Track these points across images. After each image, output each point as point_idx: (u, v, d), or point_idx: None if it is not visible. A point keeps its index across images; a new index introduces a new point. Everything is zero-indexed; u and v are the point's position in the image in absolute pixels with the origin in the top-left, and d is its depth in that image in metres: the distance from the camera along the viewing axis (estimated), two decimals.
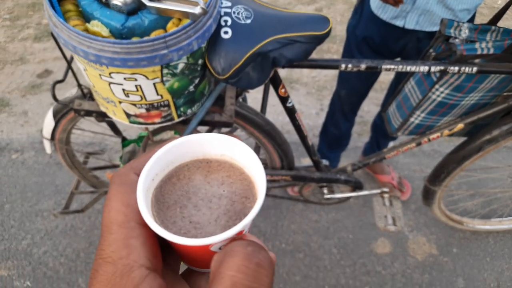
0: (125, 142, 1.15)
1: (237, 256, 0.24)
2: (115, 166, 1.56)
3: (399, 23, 1.28)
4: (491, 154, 1.30)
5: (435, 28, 1.26)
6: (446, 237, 1.69)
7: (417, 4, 1.21)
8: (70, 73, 1.06)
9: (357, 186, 1.41)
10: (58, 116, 1.21)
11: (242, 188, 0.30)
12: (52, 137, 1.30)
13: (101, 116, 1.03)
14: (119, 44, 0.72)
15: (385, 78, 2.37)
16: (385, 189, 1.39)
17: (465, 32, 1.06)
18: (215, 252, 0.27)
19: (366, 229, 1.71)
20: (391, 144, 1.78)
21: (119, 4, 0.75)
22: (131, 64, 0.75)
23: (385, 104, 1.44)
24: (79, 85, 1.02)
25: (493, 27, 1.06)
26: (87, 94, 1.04)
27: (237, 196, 0.30)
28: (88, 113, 1.02)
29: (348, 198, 1.46)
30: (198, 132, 1.13)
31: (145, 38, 0.72)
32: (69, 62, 0.98)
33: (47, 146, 1.34)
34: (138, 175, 0.28)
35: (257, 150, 1.44)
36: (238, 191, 0.30)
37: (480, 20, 3.12)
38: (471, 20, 1.30)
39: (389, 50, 1.38)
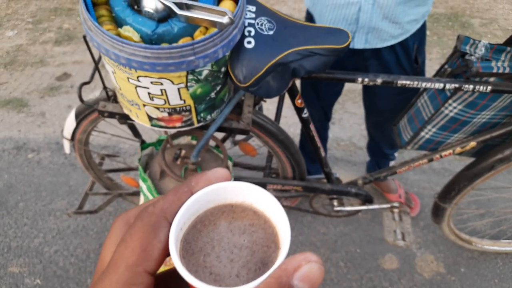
0: (144, 145, 1.19)
1: None
2: (130, 169, 1.59)
3: None
4: (501, 174, 1.31)
5: (387, 44, 1.24)
6: (454, 256, 1.69)
7: (361, 23, 1.19)
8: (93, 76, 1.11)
9: (367, 200, 1.42)
10: (80, 117, 1.25)
11: (264, 236, 0.30)
12: (72, 138, 1.34)
13: (124, 118, 1.07)
14: (150, 49, 0.75)
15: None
16: (395, 204, 1.40)
17: (481, 50, 1.09)
18: None
19: (374, 243, 1.71)
20: (392, 163, 1.80)
21: (151, 11, 0.79)
22: (160, 68, 0.78)
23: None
24: (105, 87, 1.06)
25: (508, 48, 1.09)
26: (111, 97, 1.07)
27: (257, 245, 0.29)
28: (112, 114, 1.06)
29: (358, 211, 1.47)
30: (216, 138, 1.16)
31: (174, 45, 0.76)
32: (97, 64, 1.02)
33: (67, 146, 1.38)
34: (167, 218, 0.28)
35: (269, 159, 1.47)
36: (259, 241, 0.29)
37: (493, 41, 3.14)
38: (422, 29, 1.28)
39: (348, 69, 1.34)
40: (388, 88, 1.35)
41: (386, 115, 1.49)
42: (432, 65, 2.83)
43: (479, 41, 1.09)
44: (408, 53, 1.30)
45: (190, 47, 0.77)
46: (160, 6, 0.79)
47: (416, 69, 1.35)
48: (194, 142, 1.23)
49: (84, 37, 0.90)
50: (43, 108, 2.37)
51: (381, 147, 1.70)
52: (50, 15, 3.25)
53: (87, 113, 1.24)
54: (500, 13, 3.54)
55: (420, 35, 1.29)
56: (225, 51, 0.84)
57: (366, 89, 1.51)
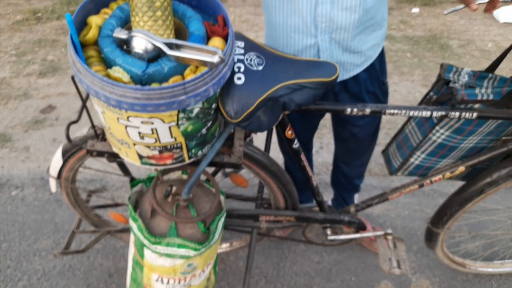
0: (133, 182, 1.16)
1: None
2: (118, 205, 1.55)
3: None
4: (490, 195, 1.32)
5: (353, 73, 1.21)
6: (449, 279, 1.68)
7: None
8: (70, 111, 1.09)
9: (361, 227, 1.41)
10: (67, 155, 1.22)
11: None
12: (58, 176, 1.31)
13: (113, 157, 1.05)
14: (140, 90, 0.75)
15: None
16: (389, 231, 1.39)
17: (464, 77, 1.12)
18: None
19: (368, 271, 1.69)
20: (356, 196, 1.77)
21: (141, 52, 0.79)
22: (150, 109, 0.77)
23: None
24: (93, 126, 1.04)
25: (490, 75, 1.12)
26: (99, 135, 1.06)
27: None
28: (100, 153, 1.04)
29: (352, 239, 1.46)
30: (207, 172, 1.14)
31: (166, 85, 0.76)
32: (85, 103, 1.00)
33: (53, 185, 1.34)
34: None
35: (261, 189, 1.45)
36: None
37: (472, 62, 3.25)
38: (381, 53, 1.26)
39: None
40: (367, 117, 1.32)
41: (360, 141, 1.44)
42: (415, 86, 2.90)
43: (462, 68, 1.12)
44: (375, 77, 1.26)
45: (181, 87, 0.77)
46: (150, 46, 0.79)
47: (383, 89, 1.32)
48: (184, 176, 1.21)
49: (73, 77, 0.89)
50: (27, 143, 2.32)
51: (351, 179, 1.64)
52: (34, 47, 3.24)
53: (74, 150, 1.21)
54: (476, 34, 3.67)
55: (380, 55, 1.26)
56: (216, 89, 0.84)
57: (336, 118, 1.45)
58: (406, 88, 2.87)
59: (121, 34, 0.81)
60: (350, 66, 1.19)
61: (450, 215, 1.34)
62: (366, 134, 1.41)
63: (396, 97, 2.76)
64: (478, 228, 1.80)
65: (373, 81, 1.26)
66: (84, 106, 1.02)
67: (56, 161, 1.26)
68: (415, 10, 4.01)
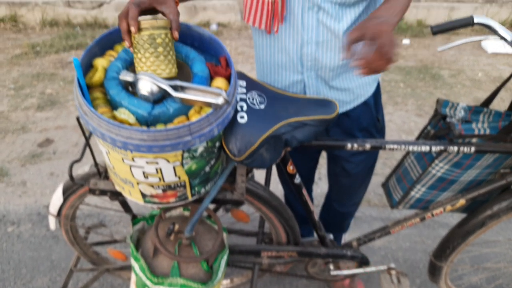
0: (135, 220, 1.15)
1: None
2: (116, 241, 1.53)
3: None
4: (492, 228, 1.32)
5: (342, 110, 1.20)
6: None
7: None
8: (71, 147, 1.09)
9: (364, 262, 1.40)
10: (68, 193, 1.22)
11: None
12: (58, 213, 1.30)
13: (115, 195, 1.05)
14: (147, 132, 0.76)
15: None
16: (392, 265, 1.38)
17: (460, 112, 1.14)
18: None
19: None
20: (345, 236, 1.73)
21: (147, 94, 0.81)
22: (156, 150, 0.78)
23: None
24: (96, 165, 1.04)
25: (485, 109, 1.15)
26: (102, 173, 1.06)
27: None
28: (103, 192, 1.04)
29: (355, 274, 1.44)
30: (209, 209, 1.14)
31: (172, 127, 0.77)
32: (88, 142, 1.01)
33: (52, 223, 1.33)
34: None
35: (262, 224, 1.45)
36: None
37: (464, 91, 3.32)
38: (377, 90, 1.26)
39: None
40: (359, 155, 1.30)
41: (353, 178, 1.40)
42: (409, 116, 2.95)
43: (458, 103, 1.15)
44: (368, 114, 1.25)
45: (187, 128, 0.78)
46: (155, 88, 0.81)
47: (380, 128, 1.31)
48: (186, 213, 1.20)
49: (77, 118, 0.90)
50: (24, 177, 2.31)
51: (341, 218, 1.60)
52: (32, 80, 3.27)
53: (75, 188, 1.21)
54: (466, 64, 3.77)
55: (375, 92, 1.25)
56: (220, 129, 0.85)
57: (330, 154, 1.41)
58: (401, 118, 2.92)
59: (127, 76, 0.83)
60: (339, 103, 1.17)
61: (452, 248, 1.33)
62: (360, 171, 1.37)
63: (391, 127, 2.79)
64: (481, 261, 1.79)
65: (366, 118, 1.25)
66: (87, 145, 1.02)
67: (57, 198, 1.26)
68: (406, 41, 4.13)
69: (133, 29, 0.81)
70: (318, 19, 1.01)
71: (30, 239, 1.91)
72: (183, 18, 4.22)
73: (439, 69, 3.65)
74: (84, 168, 1.19)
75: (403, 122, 2.88)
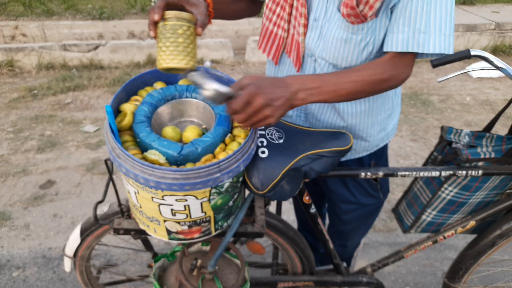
0: (156, 257, 1.16)
1: None
2: (131, 280, 1.52)
3: None
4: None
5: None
6: None
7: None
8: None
9: (379, 287, 1.41)
10: (85, 234, 1.23)
11: None
12: (74, 255, 1.30)
13: (139, 234, 1.06)
14: (180, 172, 0.79)
15: None
16: None
17: (464, 137, 1.21)
18: None
19: None
20: (355, 262, 1.66)
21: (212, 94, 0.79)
22: (188, 188, 0.81)
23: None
24: (120, 204, 1.06)
25: (487, 134, 1.21)
26: (124, 212, 1.08)
27: None
28: (127, 231, 1.05)
29: None
30: (231, 243, 1.16)
31: (203, 165, 0.80)
32: (113, 183, 1.03)
33: (67, 265, 1.32)
34: None
35: (275, 255, 1.46)
36: None
37: (454, 115, 3.43)
38: (380, 151, 1.25)
39: (311, 190, 1.28)
40: (349, 204, 1.31)
41: (348, 226, 1.41)
42: (404, 141, 3.03)
43: (461, 130, 1.21)
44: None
45: (216, 165, 0.82)
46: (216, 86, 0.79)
47: (375, 185, 1.28)
48: (204, 248, 1.22)
49: (106, 161, 0.93)
50: (27, 220, 2.28)
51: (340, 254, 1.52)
52: (31, 123, 3.29)
53: (93, 229, 1.22)
54: (454, 89, 3.92)
55: (378, 153, 1.25)
56: (245, 164, 0.89)
57: (329, 198, 1.39)
58: (397, 144, 3.00)
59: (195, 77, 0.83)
60: None
61: (465, 269, 1.36)
62: (350, 219, 1.37)
63: (389, 153, 2.85)
64: (490, 281, 1.81)
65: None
66: (113, 186, 1.04)
67: (74, 240, 1.26)
68: None
69: (156, 16, 0.83)
70: (315, 68, 1.06)
71: (37, 283, 1.88)
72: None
73: (428, 95, 3.79)
74: (102, 208, 1.21)
75: (399, 148, 2.95)
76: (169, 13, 0.85)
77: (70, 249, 1.29)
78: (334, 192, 1.31)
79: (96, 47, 4.26)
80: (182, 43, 0.86)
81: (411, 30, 0.87)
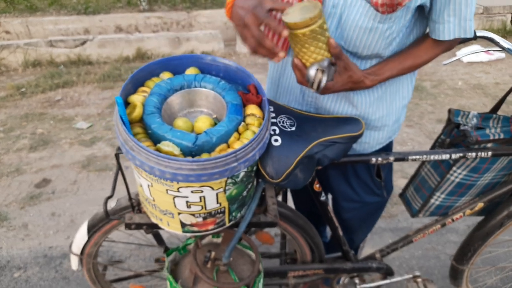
0: (168, 251, 1.14)
1: None
2: (137, 276, 1.50)
3: None
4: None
5: None
6: None
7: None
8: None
9: (389, 273, 1.42)
10: (93, 230, 1.20)
11: None
12: (81, 252, 1.27)
13: (151, 228, 1.04)
14: (197, 162, 0.77)
15: None
16: (417, 273, 1.41)
17: (472, 119, 1.21)
18: None
19: None
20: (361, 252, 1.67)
21: None
22: (205, 178, 0.80)
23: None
24: (130, 199, 1.04)
25: (494, 115, 1.21)
26: (135, 207, 1.05)
27: None
28: (139, 226, 1.03)
29: (380, 286, 1.45)
30: (244, 234, 1.14)
31: (220, 155, 0.78)
32: (123, 176, 1.01)
33: (74, 262, 1.30)
34: None
35: (283, 245, 1.45)
36: None
37: (448, 100, 3.46)
38: (385, 148, 1.23)
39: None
40: (352, 202, 1.32)
41: (351, 224, 1.42)
42: (402, 128, 3.04)
43: (469, 112, 1.21)
44: (366, 167, 1.24)
45: (233, 154, 0.80)
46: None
47: (379, 183, 1.29)
48: (215, 240, 1.20)
49: (116, 154, 0.90)
50: (24, 220, 2.24)
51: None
52: (21, 121, 3.21)
53: (101, 225, 1.20)
54: (445, 74, 3.95)
55: (388, 149, 1.25)
56: (261, 153, 0.87)
57: (333, 194, 1.38)
58: None
59: None
60: None
61: (473, 251, 1.37)
62: (351, 218, 1.38)
63: None
64: (494, 262, 1.83)
65: (362, 169, 1.24)
66: (124, 180, 1.02)
67: (81, 237, 1.24)
68: None
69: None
70: None
71: (39, 283, 1.85)
72: (166, 50, 4.28)
73: (420, 81, 3.80)
74: (110, 204, 1.18)
75: None
76: (294, 16, 0.79)
77: (77, 247, 1.26)
78: (337, 190, 1.30)
79: (84, 42, 4.17)
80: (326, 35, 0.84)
81: (457, 19, 0.92)
